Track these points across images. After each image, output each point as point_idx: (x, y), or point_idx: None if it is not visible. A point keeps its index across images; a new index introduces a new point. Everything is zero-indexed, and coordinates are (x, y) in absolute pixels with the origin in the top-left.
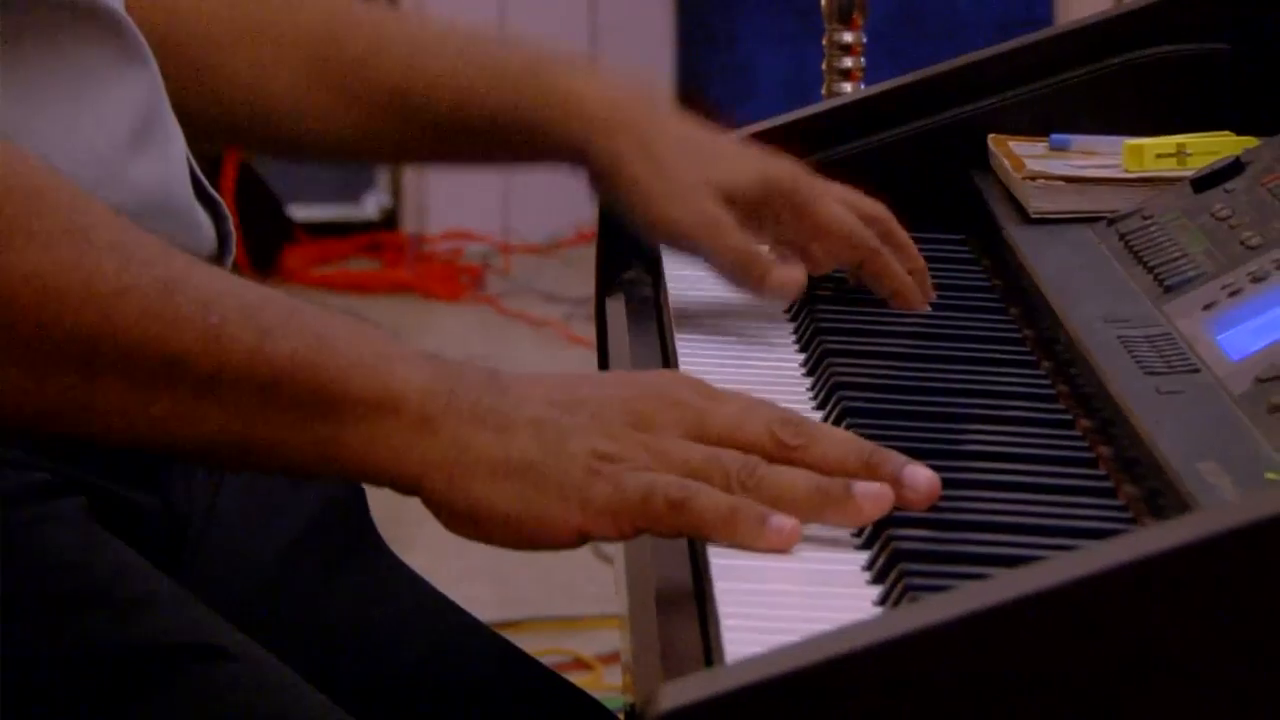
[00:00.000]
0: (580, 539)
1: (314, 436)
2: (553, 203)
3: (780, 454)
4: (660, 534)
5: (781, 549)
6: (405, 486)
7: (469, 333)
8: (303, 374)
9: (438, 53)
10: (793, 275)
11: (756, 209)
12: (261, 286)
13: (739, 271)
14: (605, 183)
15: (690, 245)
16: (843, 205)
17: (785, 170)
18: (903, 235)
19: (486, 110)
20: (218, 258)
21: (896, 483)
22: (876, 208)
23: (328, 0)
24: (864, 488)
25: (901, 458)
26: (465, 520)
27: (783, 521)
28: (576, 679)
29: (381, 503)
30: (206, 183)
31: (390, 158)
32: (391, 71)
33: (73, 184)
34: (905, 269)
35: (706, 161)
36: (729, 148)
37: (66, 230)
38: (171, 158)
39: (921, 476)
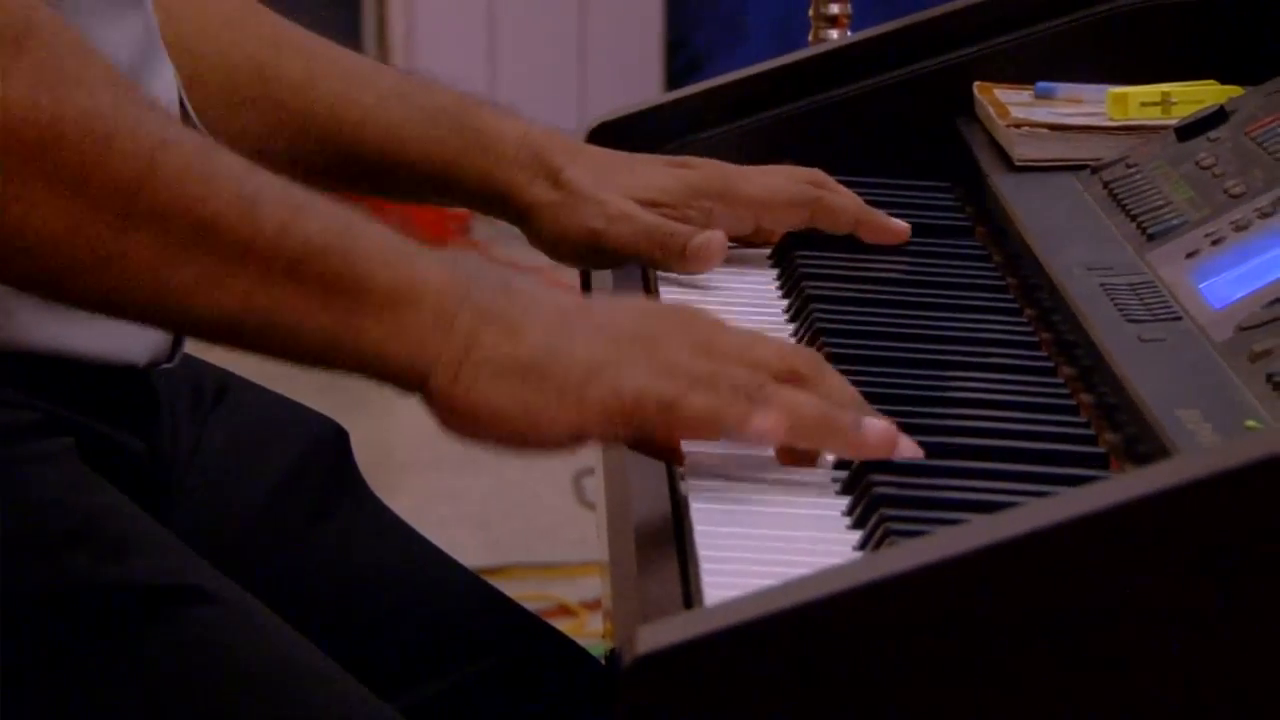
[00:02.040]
0: (574, 439)
1: (334, 320)
2: None
3: (788, 379)
4: (652, 436)
5: (767, 438)
6: (411, 381)
7: None
8: (331, 255)
9: (371, 86)
10: (713, 236)
11: (683, 209)
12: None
13: (658, 249)
14: (522, 217)
15: (607, 243)
16: (769, 176)
17: (704, 169)
18: (841, 189)
19: (414, 143)
20: None
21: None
22: (811, 171)
23: (268, 21)
24: (872, 422)
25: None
26: (465, 417)
27: (765, 417)
28: (560, 625)
29: (367, 448)
30: (196, 120)
31: (317, 188)
32: (325, 99)
33: None
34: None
35: (619, 176)
36: (643, 163)
37: (113, 82)
38: (164, 94)
39: (906, 449)
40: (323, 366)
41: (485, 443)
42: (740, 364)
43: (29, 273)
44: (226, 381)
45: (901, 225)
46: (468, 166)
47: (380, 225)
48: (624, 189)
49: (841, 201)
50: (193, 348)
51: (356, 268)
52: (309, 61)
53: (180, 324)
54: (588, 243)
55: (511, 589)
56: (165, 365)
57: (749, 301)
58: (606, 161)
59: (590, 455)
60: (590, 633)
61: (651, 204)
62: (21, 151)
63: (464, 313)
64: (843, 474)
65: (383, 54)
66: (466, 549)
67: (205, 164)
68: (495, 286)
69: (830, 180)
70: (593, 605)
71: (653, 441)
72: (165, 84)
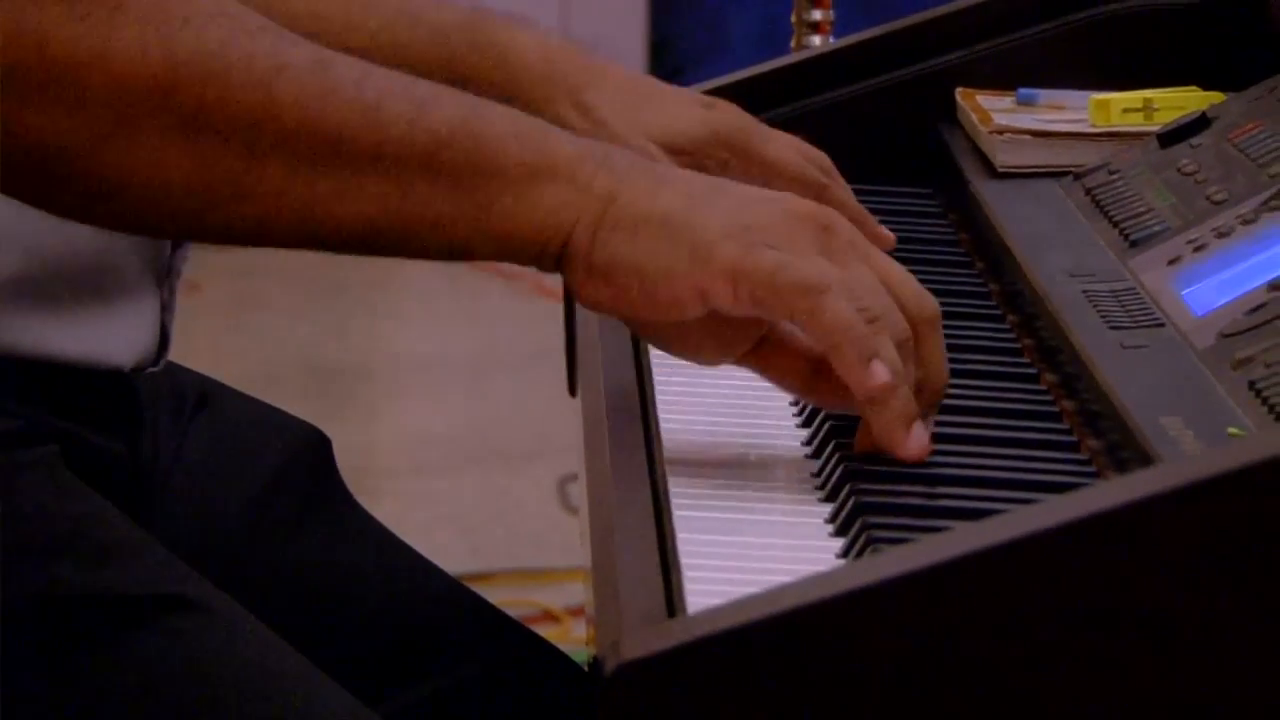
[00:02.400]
0: (699, 299)
1: (472, 205)
2: None
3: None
4: (770, 314)
5: (869, 393)
6: (551, 251)
7: (439, 284)
8: (461, 142)
9: (375, 10)
10: None
11: (701, 158)
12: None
13: None
14: None
15: None
16: (785, 146)
17: (730, 115)
18: (843, 183)
19: (424, 66)
20: None
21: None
22: (820, 154)
23: None
24: (921, 433)
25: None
26: (600, 277)
27: (883, 370)
28: (544, 631)
29: (350, 453)
30: None
31: None
32: (328, 33)
33: None
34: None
35: (644, 110)
36: (669, 96)
37: (217, 14)
38: None
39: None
40: (462, 256)
41: (616, 308)
42: (874, 278)
43: (167, 214)
44: (208, 389)
45: (889, 235)
46: (483, 83)
47: (505, 107)
48: (650, 129)
49: (843, 196)
50: (175, 355)
51: (488, 150)
52: None
53: (322, 238)
54: None
55: (495, 595)
56: (150, 369)
57: None
58: (631, 89)
59: (575, 461)
60: (575, 639)
61: (675, 150)
62: (140, 101)
63: (601, 175)
64: (825, 481)
65: None
66: (450, 555)
67: (322, 80)
68: (630, 155)
69: (835, 171)
70: (577, 611)
71: (777, 343)
72: None
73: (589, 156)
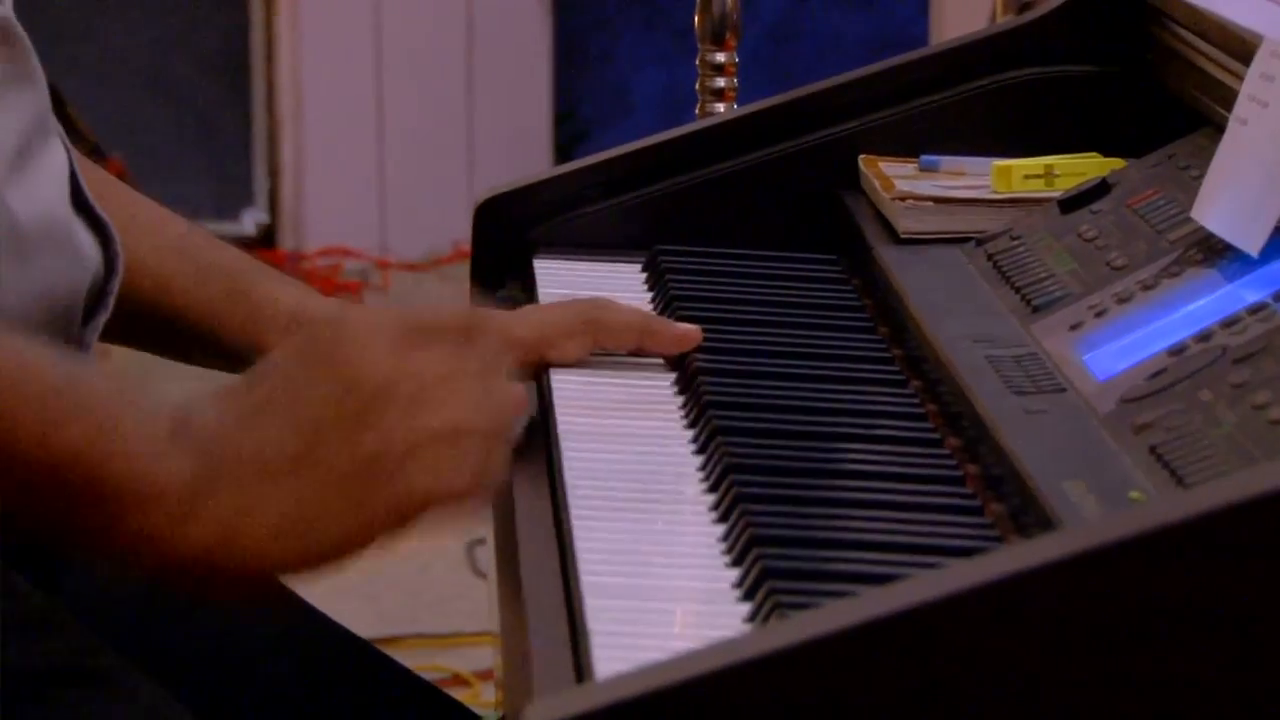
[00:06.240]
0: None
1: (89, 525)
2: (430, 220)
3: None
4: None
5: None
6: (180, 574)
7: None
8: (80, 466)
9: (150, 236)
10: None
11: None
12: (69, 362)
13: None
14: None
15: None
16: (545, 311)
17: (487, 331)
18: (621, 307)
19: (180, 302)
20: (104, 281)
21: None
22: (589, 300)
23: None
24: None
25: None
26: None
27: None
28: (455, 696)
29: None
30: (95, 203)
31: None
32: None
33: None
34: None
35: None
36: (424, 336)
37: None
38: (52, 181)
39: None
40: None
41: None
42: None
43: None
44: None
45: (688, 330)
46: (234, 330)
47: (141, 413)
48: None
49: (622, 318)
50: None
51: (102, 476)
52: None
53: None
54: None
55: (403, 660)
56: None
57: (637, 374)
58: None
59: (483, 525)
60: (485, 703)
61: None
62: None
63: (216, 492)
64: (733, 546)
65: (273, 130)
66: (358, 620)
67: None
68: (240, 452)
69: (610, 302)
70: (486, 674)
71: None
72: (56, 165)
73: (200, 479)
